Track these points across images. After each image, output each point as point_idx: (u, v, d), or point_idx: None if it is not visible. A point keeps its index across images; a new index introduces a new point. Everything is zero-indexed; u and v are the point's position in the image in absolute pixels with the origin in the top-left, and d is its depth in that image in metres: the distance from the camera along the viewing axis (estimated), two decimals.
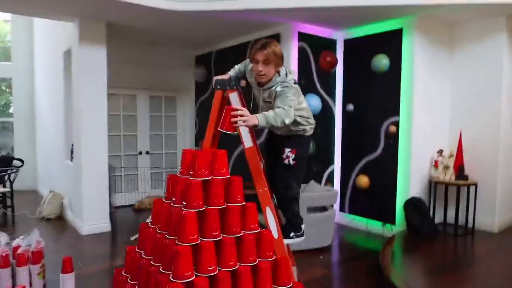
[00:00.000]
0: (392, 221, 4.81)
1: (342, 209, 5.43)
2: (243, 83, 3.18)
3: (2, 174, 5.89)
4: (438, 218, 4.97)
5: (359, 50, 5.13)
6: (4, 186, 5.92)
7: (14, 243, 3.43)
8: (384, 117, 4.87)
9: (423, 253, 4.08)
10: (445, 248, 4.32)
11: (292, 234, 2.62)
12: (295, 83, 2.45)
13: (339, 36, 5.35)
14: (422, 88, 4.70)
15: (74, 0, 4.15)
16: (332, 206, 4.65)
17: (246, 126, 2.15)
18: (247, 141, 2.45)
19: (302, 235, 2.64)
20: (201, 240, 1.53)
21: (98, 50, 4.93)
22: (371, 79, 4.99)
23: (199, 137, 6.81)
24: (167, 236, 1.61)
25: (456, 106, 5.05)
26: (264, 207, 2.27)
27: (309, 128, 2.66)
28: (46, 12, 4.80)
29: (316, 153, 5.12)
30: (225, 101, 2.59)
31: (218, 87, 2.57)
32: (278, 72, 2.43)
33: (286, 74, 2.43)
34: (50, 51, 6.55)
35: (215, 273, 1.50)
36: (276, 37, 4.98)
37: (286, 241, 2.53)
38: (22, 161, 6.37)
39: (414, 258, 4.02)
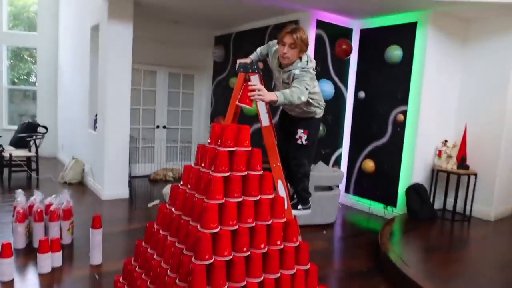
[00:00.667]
0: (394, 204, 5.10)
1: (347, 190, 5.73)
2: (260, 65, 3.43)
3: (29, 139, 6.26)
4: (438, 205, 5.24)
5: (374, 40, 5.33)
6: (30, 151, 6.30)
7: (47, 201, 3.80)
8: (393, 106, 5.09)
9: (419, 234, 4.37)
10: (441, 231, 4.61)
11: (299, 206, 2.93)
12: (313, 69, 2.68)
13: (356, 26, 5.53)
14: (431, 80, 4.90)
15: None
16: (337, 186, 4.94)
17: (263, 100, 2.39)
18: (265, 121, 2.73)
19: (309, 208, 2.94)
20: (225, 199, 1.82)
21: (125, 26, 5.19)
22: (383, 69, 5.19)
23: (214, 115, 7.09)
24: (196, 195, 1.91)
25: (463, 100, 5.24)
26: (277, 180, 2.56)
27: (319, 111, 2.90)
28: None
29: (326, 136, 5.38)
30: (246, 83, 2.85)
31: (241, 69, 2.82)
32: (300, 58, 2.65)
33: (307, 61, 2.65)
34: (77, 24, 6.82)
35: (236, 227, 1.81)
36: (295, 23, 5.18)
37: (294, 212, 2.83)
38: (46, 128, 6.72)
39: (411, 238, 4.32)
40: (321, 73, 5.23)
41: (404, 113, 4.98)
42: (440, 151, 5.07)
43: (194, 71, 7.45)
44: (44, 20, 8.31)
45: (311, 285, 2.02)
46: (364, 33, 5.49)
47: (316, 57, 5.18)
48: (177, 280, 1.76)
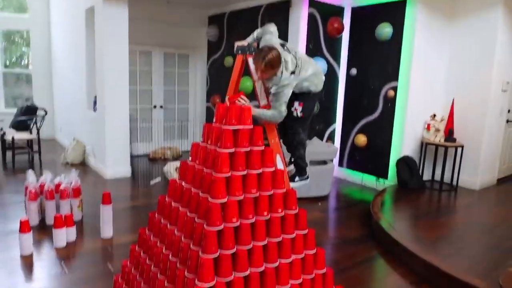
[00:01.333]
0: (385, 177, 5.36)
1: (340, 164, 5.98)
2: (255, 45, 3.58)
3: (30, 122, 6.39)
4: (427, 176, 5.51)
5: (365, 18, 5.47)
6: (31, 133, 6.43)
7: (56, 180, 3.99)
8: (384, 82, 5.29)
9: (408, 203, 4.65)
10: (429, 200, 4.90)
11: (296, 178, 3.16)
12: (292, 72, 2.80)
13: (347, 4, 5.66)
14: (420, 56, 5.08)
15: None
16: (331, 161, 5.17)
17: None
18: (263, 100, 2.94)
19: (306, 178, 3.17)
20: (231, 173, 2.03)
21: (120, 8, 5.26)
22: (374, 46, 5.36)
23: (210, 93, 7.24)
24: (204, 169, 2.12)
25: (451, 75, 5.45)
26: (275, 154, 2.77)
27: (313, 88, 3.06)
28: None
29: (320, 113, 5.58)
30: (244, 64, 3.02)
31: (240, 51, 2.99)
32: (276, 73, 2.75)
33: (282, 72, 2.75)
34: (70, 6, 6.84)
35: (241, 197, 2.02)
36: (287, 3, 5.31)
37: (292, 184, 3.07)
38: (45, 110, 6.83)
39: (400, 207, 4.60)
40: (314, 51, 5.39)
41: (395, 89, 5.18)
42: (428, 125, 5.30)
43: (189, 50, 7.55)
44: (35, 2, 8.28)
45: (309, 247, 2.25)
46: (355, 11, 5.62)
47: (308, 35, 5.33)
48: (191, 245, 1.98)
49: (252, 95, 3.02)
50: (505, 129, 5.62)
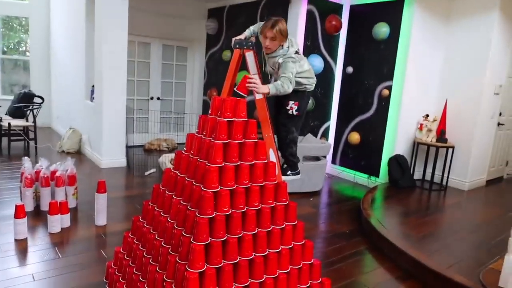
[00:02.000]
0: (377, 175, 5.44)
1: (333, 161, 6.05)
2: (253, 39, 3.64)
3: (26, 109, 6.41)
4: (418, 175, 5.60)
5: (363, 17, 5.52)
6: (27, 121, 6.45)
7: (52, 168, 4.03)
8: (379, 81, 5.35)
9: (398, 201, 4.74)
10: (418, 199, 4.98)
11: (289, 172, 3.23)
12: (296, 53, 2.93)
13: (346, 2, 5.70)
14: (416, 57, 5.15)
15: None
16: (325, 157, 5.24)
17: (257, 92, 2.71)
18: (258, 95, 2.99)
19: (298, 173, 3.24)
20: (224, 163, 2.09)
21: None
22: (371, 45, 5.42)
23: (207, 87, 7.28)
24: (198, 159, 2.17)
25: (445, 76, 5.53)
26: (268, 148, 2.84)
27: (309, 86, 3.16)
28: None
29: (315, 109, 5.65)
30: (241, 58, 3.07)
31: (237, 46, 3.03)
32: (282, 45, 2.93)
33: (288, 47, 2.93)
34: None
35: (234, 187, 2.08)
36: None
37: (284, 178, 3.13)
38: (42, 98, 6.85)
39: (390, 204, 4.69)
40: (311, 48, 5.44)
41: (389, 88, 5.25)
42: (421, 125, 5.38)
43: (188, 43, 7.57)
44: None
45: (298, 239, 2.32)
46: (353, 9, 5.67)
47: (306, 32, 5.38)
48: (183, 232, 2.04)
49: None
50: (496, 131, 5.72)
